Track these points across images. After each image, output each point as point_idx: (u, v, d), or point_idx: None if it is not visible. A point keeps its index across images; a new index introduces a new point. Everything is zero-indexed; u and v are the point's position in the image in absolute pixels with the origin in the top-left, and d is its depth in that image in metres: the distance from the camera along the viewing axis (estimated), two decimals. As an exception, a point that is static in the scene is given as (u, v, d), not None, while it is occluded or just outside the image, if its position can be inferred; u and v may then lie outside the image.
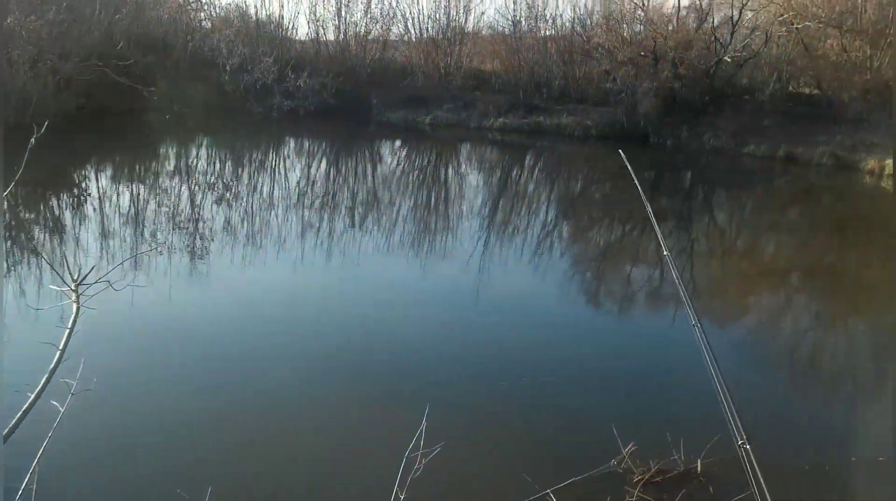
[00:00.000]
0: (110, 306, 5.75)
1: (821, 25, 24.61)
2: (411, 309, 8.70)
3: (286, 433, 5.64)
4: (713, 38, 24.87)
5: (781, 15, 24.21)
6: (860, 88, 22.82)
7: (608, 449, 5.27)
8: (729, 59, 23.86)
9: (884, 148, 19.21)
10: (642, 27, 27.24)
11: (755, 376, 7.52)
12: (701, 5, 26.41)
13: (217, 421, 5.61)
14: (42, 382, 4.06)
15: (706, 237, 13.59)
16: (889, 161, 18.33)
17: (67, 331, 4.45)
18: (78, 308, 4.76)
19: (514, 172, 19.08)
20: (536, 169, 20.02)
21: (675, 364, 7.70)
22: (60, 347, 4.37)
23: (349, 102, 25.08)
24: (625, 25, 27.84)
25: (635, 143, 21.75)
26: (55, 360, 4.28)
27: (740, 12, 24.17)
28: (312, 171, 17.26)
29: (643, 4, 29.45)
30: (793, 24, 23.93)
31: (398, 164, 19.22)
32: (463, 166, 19.64)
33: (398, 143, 22.60)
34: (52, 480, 3.14)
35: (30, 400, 3.92)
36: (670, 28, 26.65)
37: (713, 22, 26.19)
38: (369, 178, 17.13)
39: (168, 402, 5.86)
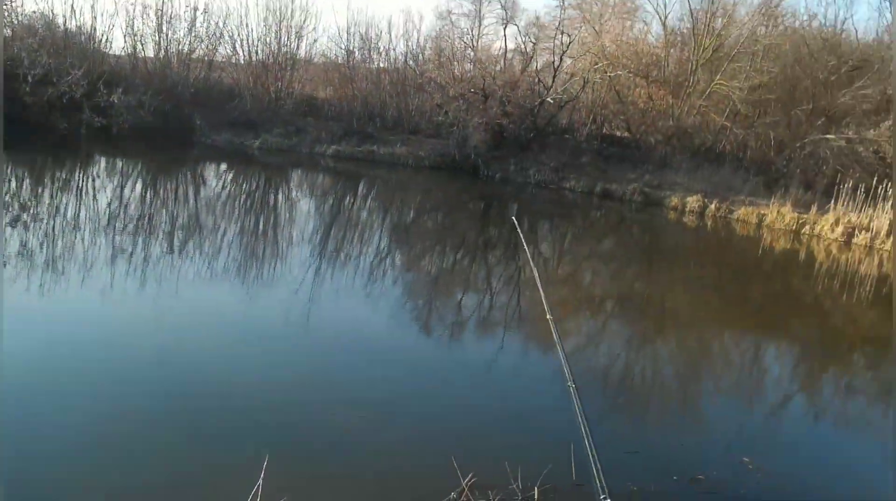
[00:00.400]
0: None
1: (630, 75, 26.97)
2: (237, 342, 8.10)
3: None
4: (537, 81, 26.36)
5: (597, 63, 26.25)
6: (664, 132, 25.19)
7: (449, 482, 5.16)
8: (551, 101, 25.36)
9: (683, 187, 21.24)
10: (472, 65, 28.32)
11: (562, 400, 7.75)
12: (526, 49, 28.00)
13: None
14: None
15: (538, 263, 14.08)
16: (689, 198, 20.30)
17: None
18: None
19: (347, 200, 18.81)
20: (370, 197, 19.89)
21: (510, 392, 7.78)
22: None
23: (170, 122, 23.56)
24: (455, 63, 28.80)
25: (466, 174, 22.35)
26: None
27: (561, 58, 25.88)
28: (126, 192, 15.87)
29: (473, 45, 30.73)
30: (606, 73, 25.99)
31: (223, 188, 18.22)
32: (294, 192, 19.05)
33: (224, 166, 21.50)
34: None
35: None
36: (498, 68, 27.95)
37: (537, 65, 27.82)
38: (191, 201, 16.05)
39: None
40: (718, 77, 25.66)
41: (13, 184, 15.09)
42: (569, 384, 4.23)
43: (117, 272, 10.06)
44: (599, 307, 11.96)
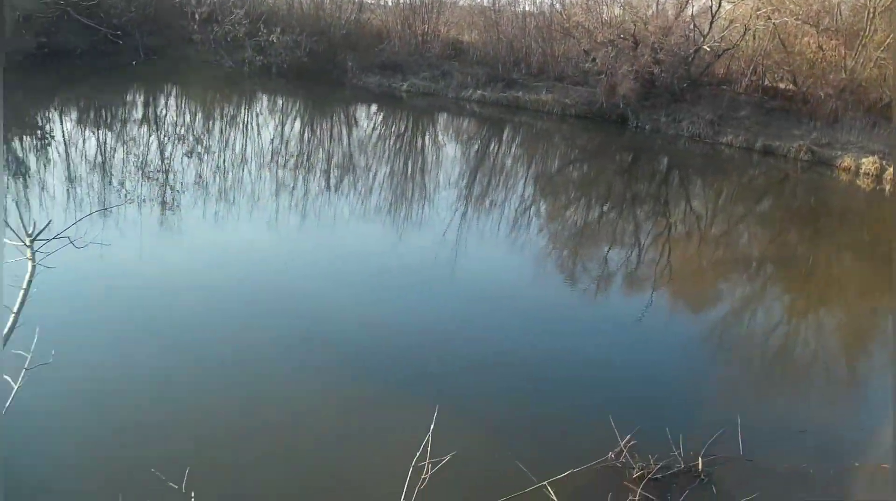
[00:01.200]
0: (70, 264, 5.31)
1: (798, 22, 24.74)
2: (386, 284, 8.30)
3: (259, 407, 5.33)
4: (692, 27, 24.76)
5: (759, 9, 24.24)
6: (835, 86, 23.04)
7: (606, 442, 5.11)
8: (707, 49, 23.80)
9: (857, 146, 19.44)
10: (621, 10, 27.02)
11: (734, 369, 7.47)
12: (682, -8, 26.28)
13: (189, 406, 5.25)
14: None
15: (687, 223, 13.52)
16: (865, 160, 18.56)
17: (22, 292, 3.97)
18: (34, 266, 4.26)
19: (493, 146, 18.73)
20: (514, 144, 19.72)
21: (671, 357, 7.57)
22: (14, 309, 3.89)
23: (323, 63, 24.26)
24: (604, 7, 27.58)
25: (613, 124, 21.59)
26: (7, 326, 3.82)
27: (719, 3, 24.10)
28: (286, 129, 16.62)
29: (625, -13, 29.23)
30: (770, 20, 23.99)
31: (374, 129, 18.67)
32: (440, 136, 19.21)
33: (374, 108, 21.96)
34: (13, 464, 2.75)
35: None
36: (650, 13, 26.49)
37: (693, 10, 26.10)
38: (345, 141, 16.58)
39: (130, 374, 5.48)
40: (903, 27, 23.03)
41: (186, 117, 16.20)
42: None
43: (278, 206, 10.61)
44: (758, 271, 11.33)
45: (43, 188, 9.70)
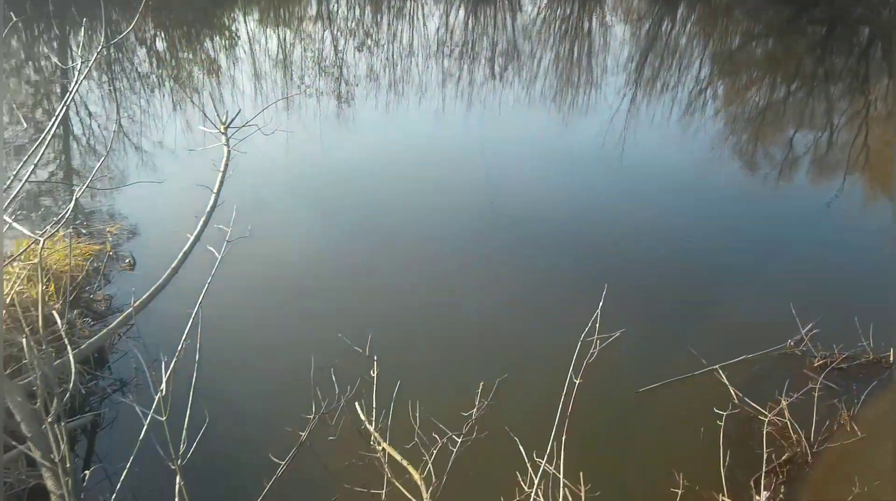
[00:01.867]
0: (258, 150, 5.81)
1: None
2: (553, 167, 8.39)
3: (437, 281, 5.64)
4: None
5: None
6: None
7: (785, 330, 4.95)
8: None
9: None
10: None
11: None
12: None
13: (372, 277, 5.63)
14: (198, 226, 4.25)
15: (885, 102, 12.15)
16: None
17: (220, 174, 4.58)
18: (228, 152, 4.88)
19: (665, 25, 17.57)
20: (690, 21, 18.32)
21: (862, 245, 7.04)
22: (215, 190, 4.51)
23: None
24: None
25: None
26: (209, 204, 4.45)
27: None
28: (450, 19, 16.61)
29: None
30: None
31: (538, 14, 18.12)
32: (609, 17, 18.26)
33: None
34: (212, 327, 3.23)
35: (189, 243, 4.10)
36: None
37: None
38: (509, 28, 16.32)
39: (319, 250, 5.95)
40: None
41: (356, 11, 16.65)
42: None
43: (444, 95, 10.87)
44: None
45: (232, 83, 10.60)
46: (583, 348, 3.10)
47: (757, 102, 12.04)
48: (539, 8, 18.25)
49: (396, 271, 5.71)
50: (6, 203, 3.78)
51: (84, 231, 5.40)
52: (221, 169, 4.52)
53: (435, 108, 10.31)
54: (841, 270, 6.44)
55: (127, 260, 5.23)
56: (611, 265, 6.10)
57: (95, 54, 4.02)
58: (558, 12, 18.10)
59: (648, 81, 12.73)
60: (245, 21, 14.53)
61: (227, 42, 13.00)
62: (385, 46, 13.72)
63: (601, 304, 3.19)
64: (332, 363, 3.76)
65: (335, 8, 16.58)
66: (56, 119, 3.64)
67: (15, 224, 4.06)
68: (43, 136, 3.64)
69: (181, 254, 4.04)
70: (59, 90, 9.04)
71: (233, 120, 4.96)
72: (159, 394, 2.37)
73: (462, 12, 16.97)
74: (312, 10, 16.25)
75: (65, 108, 3.97)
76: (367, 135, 9.04)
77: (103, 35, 6.92)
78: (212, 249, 3.25)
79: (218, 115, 5.07)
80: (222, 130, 4.82)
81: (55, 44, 11.60)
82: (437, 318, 5.16)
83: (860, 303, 5.56)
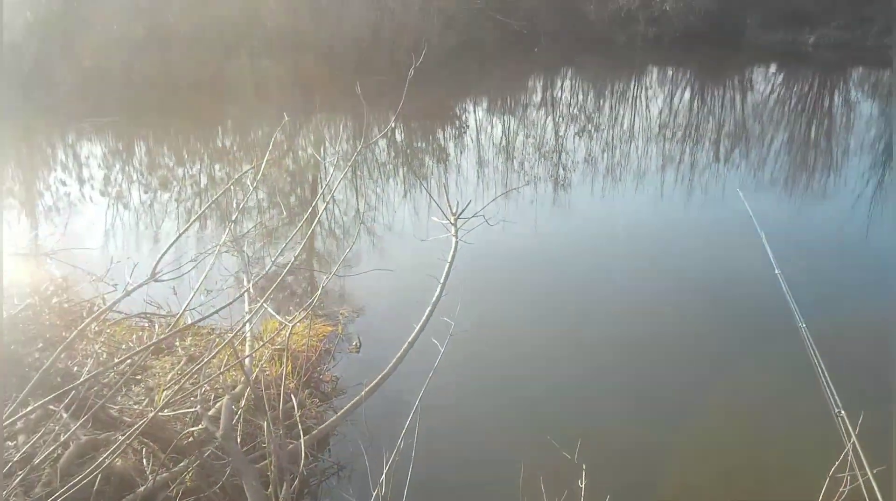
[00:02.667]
0: (482, 238, 5.93)
1: None
2: (789, 257, 7.71)
3: (653, 383, 5.37)
4: None
5: None
6: None
7: None
8: None
9: None
10: None
11: None
12: None
13: (589, 373, 5.50)
14: (424, 317, 4.41)
15: None
16: None
17: (448, 265, 4.72)
18: (457, 242, 5.05)
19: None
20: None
21: None
22: (441, 280, 4.66)
23: (718, 25, 23.15)
24: None
25: None
26: (436, 295, 4.56)
27: None
28: (675, 101, 16.45)
29: None
30: None
31: (771, 92, 17.29)
32: (852, 93, 16.88)
33: (773, 68, 20.27)
34: (427, 418, 3.33)
35: (414, 333, 4.30)
36: None
37: None
38: (737, 108, 15.75)
39: (536, 341, 5.90)
40: None
41: (579, 97, 17.15)
42: None
43: (663, 180, 10.72)
44: None
45: (458, 171, 11.37)
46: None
47: None
48: (773, 86, 17.43)
49: (612, 368, 5.53)
50: (256, 281, 4.40)
51: (320, 312, 6.10)
52: (449, 260, 4.83)
53: (653, 193, 10.21)
54: None
55: (354, 343, 5.75)
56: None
57: (354, 156, 4.57)
58: (794, 89, 17.14)
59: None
60: (475, 110, 15.65)
61: (457, 131, 14.07)
62: (605, 131, 13.94)
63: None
64: (541, 466, 3.66)
65: (558, 94, 17.24)
66: (309, 212, 4.16)
67: (268, 308, 4.72)
68: (299, 226, 4.20)
69: (406, 344, 4.34)
70: (310, 180, 10.39)
71: (462, 211, 5.24)
72: (377, 490, 2.59)
73: (688, 94, 16.75)
74: (538, 97, 17.04)
75: (318, 201, 4.46)
76: (583, 222, 9.19)
77: (363, 137, 7.78)
78: (436, 341, 3.43)
79: (449, 204, 5.30)
80: (452, 221, 5.09)
81: (313, 136, 13.37)
82: (650, 425, 4.82)
83: None
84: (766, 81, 18.12)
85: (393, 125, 12.75)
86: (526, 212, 9.15)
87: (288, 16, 16.14)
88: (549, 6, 23.50)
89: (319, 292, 3.95)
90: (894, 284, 7.16)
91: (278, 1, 16.25)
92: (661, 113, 15.31)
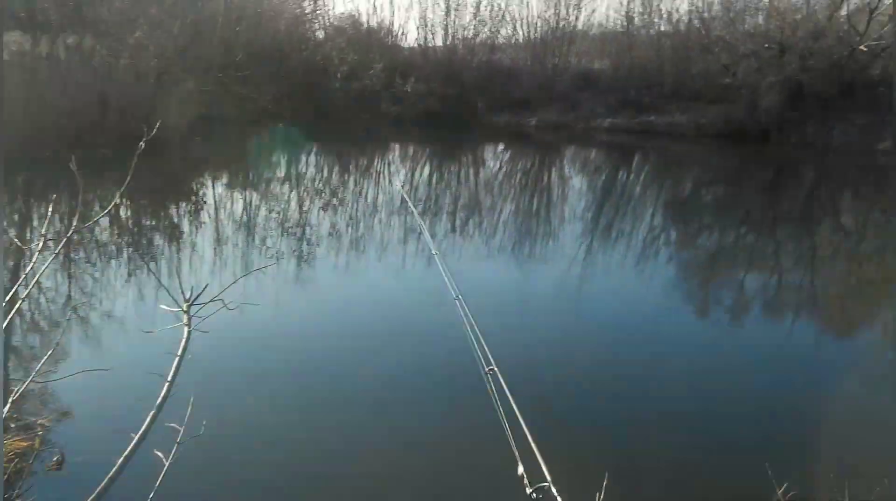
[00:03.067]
0: (222, 327, 5.31)
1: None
2: (512, 316, 8.34)
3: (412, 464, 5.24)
4: (847, 27, 23.05)
5: (924, -1, 22.15)
6: None
7: (762, 489, 4.55)
8: (864, 49, 22.03)
9: None
10: (764, 19, 25.73)
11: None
12: (835, -8, 24.56)
13: (347, 476, 5.09)
14: (144, 424, 3.63)
15: (834, 243, 12.54)
16: None
17: (178, 358, 4.04)
18: (189, 332, 4.38)
19: (621, 174, 18.42)
20: (645, 170, 19.23)
21: (824, 391, 6.85)
22: (169, 378, 3.98)
23: (455, 107, 25.18)
24: (747, 17, 26.39)
25: (754, 140, 20.48)
26: (161, 396, 3.85)
27: (878, -1, 22.30)
28: (416, 176, 17.38)
29: (767, -7, 27.81)
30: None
31: (500, 168, 19.02)
32: (567, 169, 19.16)
33: (501, 146, 22.39)
34: None
35: (131, 445, 3.48)
36: (799, 17, 24.98)
37: (848, 9, 24.30)
38: (471, 182, 17.05)
39: (281, 440, 5.41)
40: None
41: (324, 172, 17.41)
42: None
43: (405, 251, 11.07)
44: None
45: (193, 250, 10.72)
46: None
47: (708, 248, 12.40)
48: (501, 163, 19.18)
49: (369, 456, 5.25)
50: None
51: (13, 425, 5.20)
52: (179, 353, 4.16)
53: (396, 263, 10.43)
54: (805, 419, 6.19)
55: (55, 458, 4.97)
56: (565, 414, 5.85)
57: (66, 237, 3.99)
58: (519, 165, 19.01)
59: (604, 230, 13.13)
60: (214, 186, 15.14)
61: (193, 208, 13.42)
62: (350, 205, 14.23)
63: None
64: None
65: (304, 170, 17.36)
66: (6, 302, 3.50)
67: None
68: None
69: (122, 458, 3.60)
70: (10, 266, 9.00)
71: (197, 297, 4.59)
72: None
73: (427, 170, 17.78)
74: (281, 173, 16.99)
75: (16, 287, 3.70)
76: (327, 299, 9.00)
77: (77, 216, 6.89)
78: (160, 453, 2.87)
79: (182, 289, 4.57)
80: (184, 309, 4.44)
81: (16, 217, 11.89)
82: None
83: (831, 455, 5.28)
84: (495, 158, 19.90)
85: (118, 202, 11.81)
86: (269, 292, 8.75)
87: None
88: (295, 83, 23.85)
89: (11, 400, 3.24)
90: (599, 338, 7.98)
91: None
92: (403, 186, 16.04)
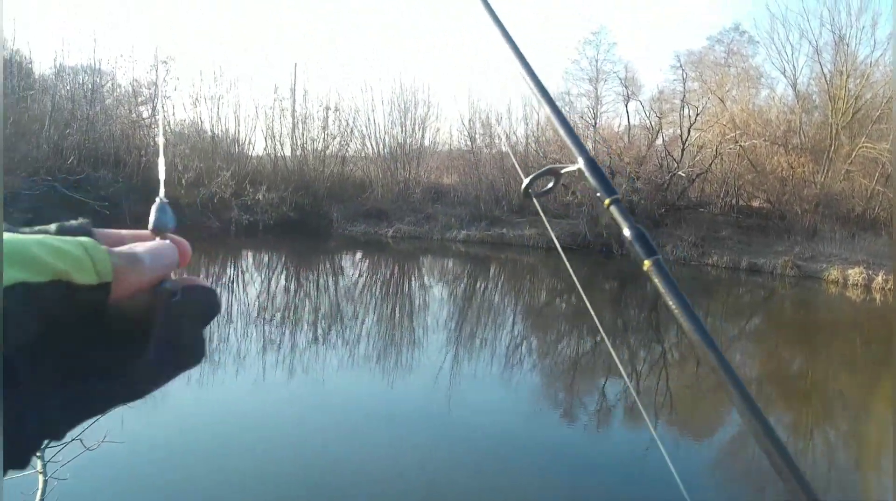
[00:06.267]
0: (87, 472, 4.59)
1: (765, 143, 25.84)
2: (379, 430, 8.00)
3: None
4: (665, 155, 25.78)
5: (726, 133, 25.40)
6: (809, 201, 23.68)
7: None
8: (682, 174, 24.63)
9: (841, 258, 19.61)
10: (593, 144, 28.21)
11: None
12: (651, 124, 27.60)
13: None
14: None
15: (675, 349, 13.29)
16: (851, 271, 18.65)
17: None
18: (45, 481, 3.54)
19: (479, 284, 18.78)
20: (501, 280, 19.78)
21: (688, 494, 7.01)
22: None
23: (309, 216, 24.87)
24: (577, 143, 28.82)
25: (599, 254, 21.83)
26: None
27: (688, 131, 25.24)
28: (272, 285, 16.65)
29: (594, 123, 30.73)
30: (738, 143, 25.04)
31: (360, 276, 18.76)
32: (427, 278, 19.28)
33: (359, 255, 22.23)
34: None
35: None
36: (622, 145, 27.66)
37: (664, 139, 27.30)
38: (331, 291, 16.57)
39: None
40: (863, 140, 24.05)
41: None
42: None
43: (265, 361, 10.37)
44: (758, 392, 10.96)
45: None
46: None
47: (567, 355, 12.67)
48: (360, 271, 18.97)
49: None
50: None
51: None
52: None
53: (253, 377, 9.69)
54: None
55: None
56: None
57: None
58: (378, 274, 18.87)
59: (467, 339, 13.08)
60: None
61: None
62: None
63: None
64: None
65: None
66: None
67: None
68: None
69: None
70: None
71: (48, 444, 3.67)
72: None
73: (283, 278, 17.17)
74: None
75: None
76: (173, 416, 8.11)
77: None
78: None
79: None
80: (38, 455, 3.57)
81: None
82: None
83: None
84: (353, 266, 19.68)
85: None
86: (132, 425, 7.67)
87: None
88: (132, 187, 22.51)
89: None
90: (468, 447, 7.70)
91: None
92: (258, 296, 15.26)
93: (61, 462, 3.56)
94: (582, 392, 10.41)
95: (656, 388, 10.70)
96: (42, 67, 29.57)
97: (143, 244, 0.53)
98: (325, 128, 29.23)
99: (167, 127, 26.48)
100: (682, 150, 25.08)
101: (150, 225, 0.58)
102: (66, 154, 22.68)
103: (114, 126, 26.06)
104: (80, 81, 27.47)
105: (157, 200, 0.60)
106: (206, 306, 0.56)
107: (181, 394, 8.81)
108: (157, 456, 7.07)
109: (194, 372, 9.61)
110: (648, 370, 11.61)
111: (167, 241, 0.56)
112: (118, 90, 28.30)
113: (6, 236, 0.42)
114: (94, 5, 47.18)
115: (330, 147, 29.35)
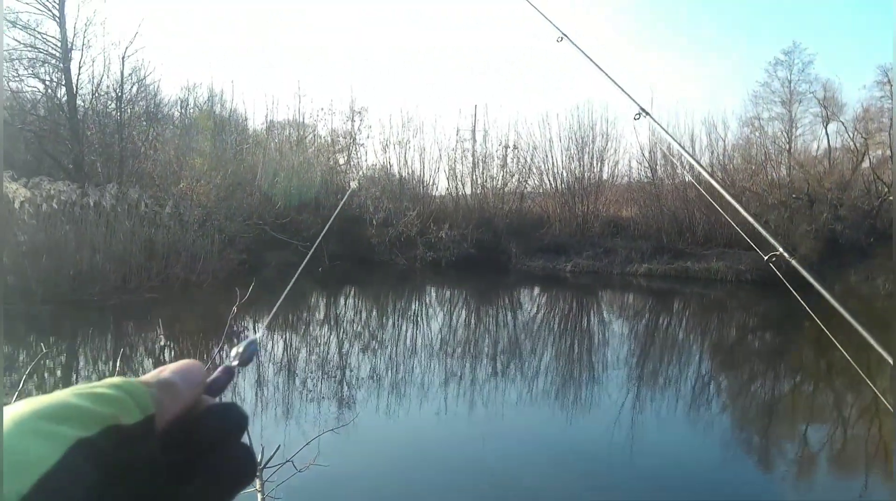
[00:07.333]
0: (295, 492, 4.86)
1: None
2: (559, 467, 8.01)
3: None
4: (874, 178, 23.49)
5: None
6: None
7: None
8: (892, 199, 22.28)
9: None
10: (787, 170, 26.35)
11: None
12: (855, 146, 25.29)
13: None
14: None
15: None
16: None
17: None
18: (263, 498, 3.94)
19: (662, 319, 18.13)
20: (686, 316, 18.94)
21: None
22: None
23: (488, 252, 25.53)
24: (770, 168, 27.06)
25: (795, 287, 20.19)
26: None
27: (901, 150, 22.85)
28: (453, 319, 17.28)
29: (787, 148, 28.66)
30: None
31: (538, 311, 18.89)
32: (606, 314, 18.96)
33: (537, 290, 22.39)
34: None
35: None
36: (822, 170, 25.57)
37: (871, 162, 24.89)
38: (510, 326, 16.86)
39: None
40: None
41: (363, 314, 17.38)
42: None
43: (446, 395, 10.77)
44: None
45: (258, 405, 10.05)
46: None
47: (763, 397, 11.85)
48: (539, 306, 19.09)
49: None
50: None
51: None
52: None
53: (437, 408, 10.12)
54: None
55: None
56: None
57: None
58: (557, 309, 18.88)
59: (650, 376, 12.69)
60: (255, 328, 15.12)
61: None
62: (390, 348, 14.03)
63: None
64: None
65: (343, 312, 17.38)
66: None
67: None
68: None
69: None
70: None
71: (270, 459, 4.15)
72: None
73: (464, 312, 17.73)
74: (320, 315, 16.99)
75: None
76: (369, 442, 8.68)
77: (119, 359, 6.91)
78: None
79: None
80: (258, 473, 3.99)
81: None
82: None
83: None
84: (532, 301, 19.86)
85: (163, 344, 11.79)
86: (336, 449, 8.24)
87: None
88: (332, 230, 24.44)
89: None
90: (652, 488, 7.46)
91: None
92: (441, 330, 15.90)
93: (276, 482, 3.93)
94: (780, 437, 9.71)
95: (867, 434, 9.71)
96: (255, 122, 33.40)
97: (168, 368, 0.52)
98: (503, 166, 30.01)
99: (359, 172, 28.57)
100: (894, 173, 22.70)
101: (236, 360, 0.58)
102: (275, 200, 25.22)
103: (314, 173, 28.59)
104: (287, 134, 30.65)
105: (251, 336, 0.62)
106: (238, 419, 0.54)
107: (375, 423, 9.44)
108: (355, 477, 7.61)
109: (383, 402, 10.25)
110: (859, 415, 10.55)
111: (191, 359, 0.55)
112: (318, 141, 31.12)
113: (47, 401, 0.42)
114: (298, 66, 52.40)
115: (509, 184, 30.03)
